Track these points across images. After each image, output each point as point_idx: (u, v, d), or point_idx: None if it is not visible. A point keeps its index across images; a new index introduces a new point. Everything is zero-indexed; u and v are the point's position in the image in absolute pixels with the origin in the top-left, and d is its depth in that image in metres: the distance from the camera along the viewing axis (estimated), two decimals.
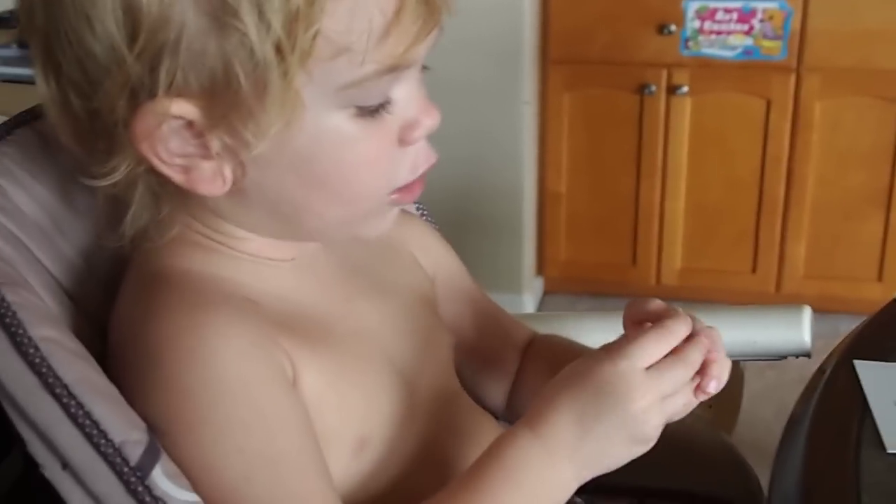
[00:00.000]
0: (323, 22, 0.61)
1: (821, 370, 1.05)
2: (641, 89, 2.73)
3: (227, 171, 0.67)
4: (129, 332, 0.70)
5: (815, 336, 1.17)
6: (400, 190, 0.72)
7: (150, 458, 0.64)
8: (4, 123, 0.76)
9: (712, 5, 2.63)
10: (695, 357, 0.72)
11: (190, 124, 0.64)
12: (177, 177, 0.66)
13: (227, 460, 0.66)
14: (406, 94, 0.68)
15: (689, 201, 2.84)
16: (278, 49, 0.60)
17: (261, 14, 0.59)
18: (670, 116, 2.75)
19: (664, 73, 2.71)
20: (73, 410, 0.62)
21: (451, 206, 2.80)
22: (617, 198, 2.87)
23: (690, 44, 2.67)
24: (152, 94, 0.62)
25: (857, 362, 1.00)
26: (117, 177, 0.66)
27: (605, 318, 1.24)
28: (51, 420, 0.62)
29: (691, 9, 2.64)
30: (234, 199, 0.69)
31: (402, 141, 0.69)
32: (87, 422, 0.62)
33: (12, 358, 0.63)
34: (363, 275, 0.82)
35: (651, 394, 0.70)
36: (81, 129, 0.67)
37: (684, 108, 2.74)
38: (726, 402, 1.28)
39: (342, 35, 0.62)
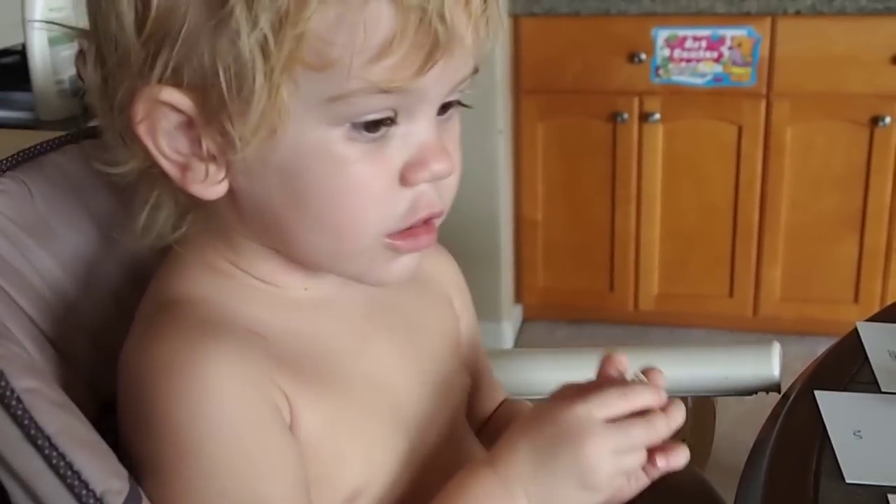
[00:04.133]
0: (310, 26, 0.60)
1: (785, 397, 1.06)
2: (614, 117, 2.75)
3: (221, 175, 0.66)
4: (128, 360, 0.69)
5: (793, 358, 1.17)
6: (398, 235, 0.68)
7: None
8: None
9: (681, 34, 2.66)
10: (660, 426, 0.72)
11: (190, 123, 0.64)
12: (173, 171, 0.66)
13: (213, 502, 0.65)
14: (419, 132, 0.66)
15: (664, 227, 2.86)
16: (263, 49, 0.60)
17: (250, 9, 0.59)
18: (643, 143, 2.77)
19: (636, 101, 2.74)
20: (54, 462, 0.62)
21: None
22: (593, 225, 2.89)
23: (661, 72, 2.70)
24: (150, 81, 0.63)
25: (817, 392, 1.01)
26: (128, 168, 0.68)
27: (579, 354, 1.26)
28: (33, 472, 0.62)
29: (661, 37, 2.67)
30: (233, 207, 0.69)
31: (404, 180, 0.66)
32: (69, 472, 0.62)
33: None
34: (390, 312, 0.80)
35: (604, 442, 0.70)
36: (111, 116, 0.68)
37: (657, 136, 2.76)
38: (699, 437, 1.29)
39: (328, 45, 0.61)
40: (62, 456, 0.62)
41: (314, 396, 0.70)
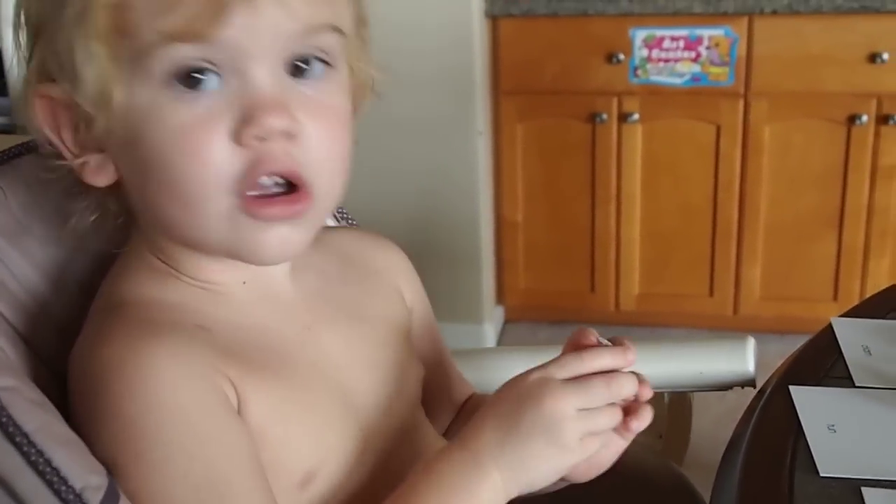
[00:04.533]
0: None
1: (760, 392, 1.07)
2: (593, 118, 2.76)
3: (105, 163, 0.71)
4: (81, 359, 0.71)
5: (773, 356, 1.18)
6: (251, 200, 0.68)
7: (109, 501, 0.65)
8: None
9: (659, 34, 2.67)
10: (623, 383, 0.73)
11: (73, 113, 0.68)
12: (74, 164, 0.71)
13: (174, 488, 0.67)
14: (250, 88, 0.66)
15: (644, 227, 2.87)
16: (78, 23, 0.65)
17: None
18: (622, 144, 2.78)
19: (615, 102, 2.74)
20: (33, 458, 0.63)
21: (409, 238, 2.79)
22: (573, 225, 2.90)
23: (639, 72, 2.70)
24: (35, 78, 0.69)
25: (792, 388, 1.02)
26: (59, 171, 0.72)
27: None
28: (12, 469, 0.64)
29: (638, 37, 2.68)
30: (128, 197, 0.73)
31: (236, 137, 0.66)
32: (48, 469, 0.63)
33: None
34: (333, 303, 0.82)
35: (563, 397, 0.71)
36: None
37: (636, 136, 2.77)
38: (676, 432, 1.30)
39: (127, 9, 0.64)
40: (41, 453, 0.64)
41: (260, 383, 0.72)
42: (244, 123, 0.66)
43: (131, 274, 0.75)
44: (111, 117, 0.67)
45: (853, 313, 1.21)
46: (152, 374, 0.67)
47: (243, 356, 0.72)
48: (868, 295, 2.72)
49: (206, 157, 0.66)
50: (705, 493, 1.20)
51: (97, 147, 0.70)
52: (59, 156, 0.72)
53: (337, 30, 0.70)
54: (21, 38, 0.70)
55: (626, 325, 2.95)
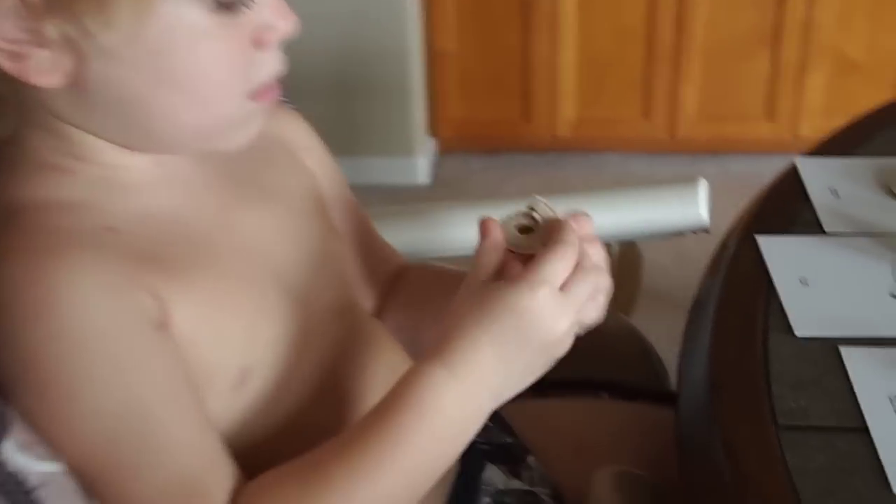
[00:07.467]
0: None
1: (724, 246, 1.01)
2: None
3: (68, 63, 0.62)
4: None
5: (710, 177, 1.14)
6: (256, 95, 0.69)
7: None
8: None
9: None
10: (597, 260, 0.71)
11: (27, 7, 0.59)
12: (5, 63, 0.61)
13: (85, 422, 0.61)
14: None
15: (579, 52, 2.79)
16: None
17: None
18: None
19: None
20: None
21: (335, 69, 2.69)
22: (507, 53, 2.81)
23: None
24: None
25: (759, 237, 0.96)
26: None
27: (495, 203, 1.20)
28: None
29: None
30: (74, 96, 0.64)
31: (257, 42, 0.67)
32: None
33: None
34: (243, 181, 0.75)
35: (570, 313, 0.68)
36: None
37: None
38: (625, 283, 1.25)
39: None
40: None
41: (184, 285, 0.66)
42: (265, 30, 0.67)
43: (24, 176, 0.66)
44: (138, 29, 0.62)
45: (818, 151, 1.15)
46: (57, 295, 0.60)
47: (160, 255, 0.65)
48: (803, 112, 2.71)
49: (238, 68, 0.67)
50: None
51: (39, 44, 0.61)
52: None
53: None
54: None
55: (562, 152, 2.91)
